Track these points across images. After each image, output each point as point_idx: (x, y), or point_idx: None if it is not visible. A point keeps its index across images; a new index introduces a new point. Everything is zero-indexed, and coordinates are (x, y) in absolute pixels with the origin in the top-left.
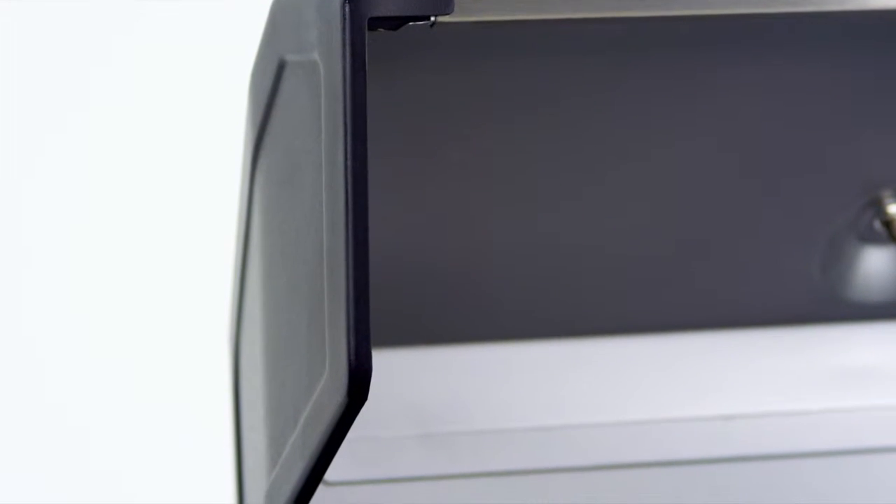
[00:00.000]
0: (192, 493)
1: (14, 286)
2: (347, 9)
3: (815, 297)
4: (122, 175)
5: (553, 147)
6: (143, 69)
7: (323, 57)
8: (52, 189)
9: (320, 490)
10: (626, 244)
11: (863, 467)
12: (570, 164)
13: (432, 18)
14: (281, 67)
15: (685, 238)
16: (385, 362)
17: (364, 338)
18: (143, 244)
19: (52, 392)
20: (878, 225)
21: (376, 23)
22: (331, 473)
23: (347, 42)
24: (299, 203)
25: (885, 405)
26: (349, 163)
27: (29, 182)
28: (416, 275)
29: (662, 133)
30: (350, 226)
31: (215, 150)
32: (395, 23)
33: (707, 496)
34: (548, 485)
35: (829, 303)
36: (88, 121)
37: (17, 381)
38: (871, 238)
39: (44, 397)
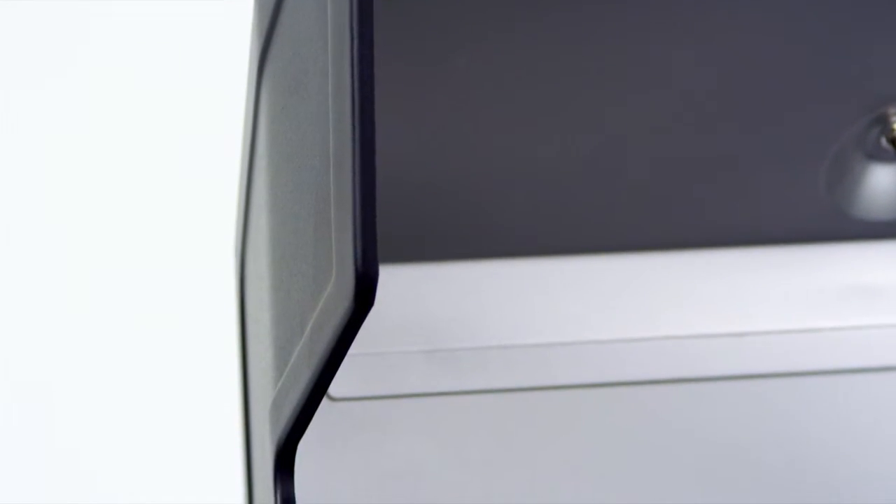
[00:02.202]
0: (197, 417)
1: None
2: None
3: (822, 215)
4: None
5: (559, 62)
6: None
7: None
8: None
9: (326, 405)
10: (634, 161)
11: (871, 385)
12: (575, 79)
13: None
14: None
15: (691, 155)
16: (390, 278)
17: (371, 242)
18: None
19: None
20: (884, 142)
21: None
22: (336, 389)
23: None
24: (305, 109)
25: (893, 323)
26: (356, 68)
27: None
28: (422, 191)
29: (665, 50)
30: (357, 130)
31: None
32: None
33: (718, 413)
34: (554, 402)
35: (835, 221)
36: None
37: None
38: (877, 155)
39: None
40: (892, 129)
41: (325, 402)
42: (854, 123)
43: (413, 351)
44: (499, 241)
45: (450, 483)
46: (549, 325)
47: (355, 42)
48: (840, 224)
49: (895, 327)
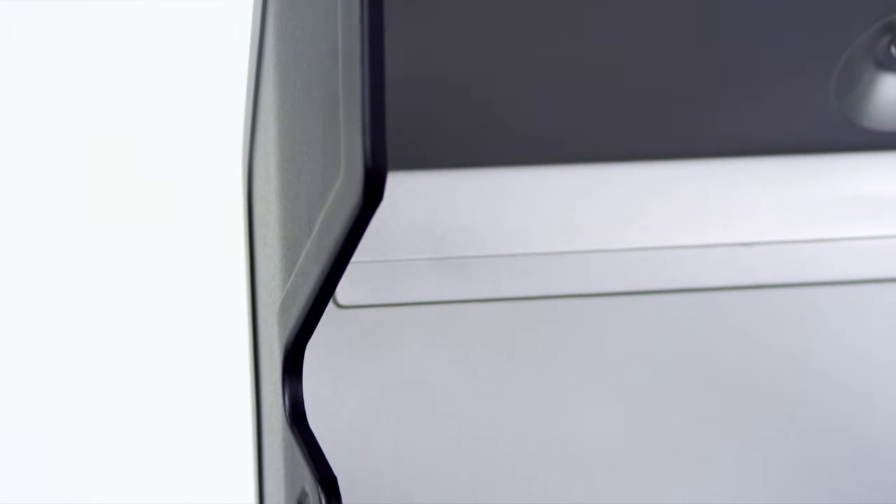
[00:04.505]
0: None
1: None
2: None
3: (831, 125)
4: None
5: None
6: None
7: None
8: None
9: (333, 313)
10: (644, 69)
11: (878, 296)
12: None
13: None
14: None
15: (701, 65)
16: (399, 185)
17: (380, 136)
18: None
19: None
20: (894, 50)
21: None
22: (343, 296)
23: None
24: (314, 6)
25: None
26: None
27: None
28: (432, 98)
29: None
30: (365, 24)
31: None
32: None
33: (725, 323)
34: (562, 311)
35: (844, 131)
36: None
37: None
38: (887, 64)
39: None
40: None
41: (332, 309)
42: (863, 31)
43: (421, 258)
44: (509, 148)
45: (456, 391)
46: (557, 234)
47: None
48: (849, 134)
49: None
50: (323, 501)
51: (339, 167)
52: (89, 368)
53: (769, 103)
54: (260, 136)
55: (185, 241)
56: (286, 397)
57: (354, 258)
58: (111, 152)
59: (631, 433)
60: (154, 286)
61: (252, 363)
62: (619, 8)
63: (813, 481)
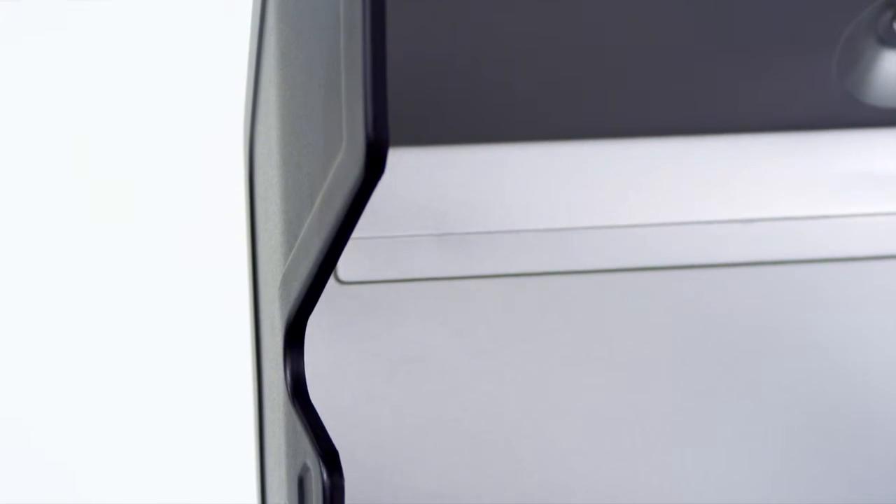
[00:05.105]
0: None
1: None
2: None
3: (833, 102)
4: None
5: None
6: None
7: None
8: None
9: (334, 289)
10: (646, 46)
11: (878, 273)
12: None
13: None
14: None
15: (702, 41)
16: (401, 161)
17: (381, 108)
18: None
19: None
20: None
21: None
22: (345, 272)
23: None
24: None
25: None
26: None
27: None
28: (434, 74)
29: None
30: None
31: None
32: None
33: (725, 299)
34: (564, 287)
35: (846, 107)
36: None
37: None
38: (889, 40)
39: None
40: None
41: (333, 285)
42: (865, 7)
43: (423, 234)
44: (511, 124)
45: (457, 366)
46: (559, 210)
47: None
48: (851, 110)
49: None
50: (324, 475)
51: (340, 140)
52: (90, 348)
53: (771, 79)
54: (261, 110)
55: (184, 216)
56: (287, 372)
57: (356, 234)
58: (110, 130)
59: (632, 409)
60: (153, 262)
61: (253, 338)
62: None
63: (813, 458)
